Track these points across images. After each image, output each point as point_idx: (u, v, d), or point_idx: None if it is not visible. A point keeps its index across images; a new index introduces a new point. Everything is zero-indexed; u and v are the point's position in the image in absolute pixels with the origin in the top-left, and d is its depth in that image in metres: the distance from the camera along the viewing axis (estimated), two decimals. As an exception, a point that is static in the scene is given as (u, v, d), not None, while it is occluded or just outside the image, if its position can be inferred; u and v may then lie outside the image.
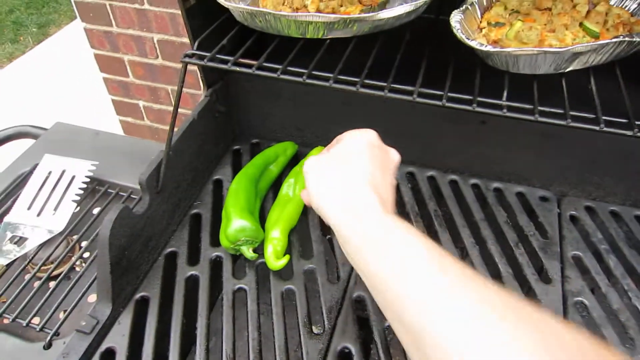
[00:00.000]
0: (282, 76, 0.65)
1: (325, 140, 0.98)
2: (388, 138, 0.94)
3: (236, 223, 0.77)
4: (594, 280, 0.78)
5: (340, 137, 0.66)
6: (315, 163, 0.61)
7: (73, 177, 1.05)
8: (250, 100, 0.99)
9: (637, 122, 0.59)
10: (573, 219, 0.87)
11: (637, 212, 0.87)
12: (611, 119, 0.59)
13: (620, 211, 0.88)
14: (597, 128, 0.58)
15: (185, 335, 0.72)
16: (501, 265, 0.79)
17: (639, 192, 0.87)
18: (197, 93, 1.90)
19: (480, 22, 0.74)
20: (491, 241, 0.82)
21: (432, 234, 0.84)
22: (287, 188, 0.86)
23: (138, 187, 0.78)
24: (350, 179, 0.55)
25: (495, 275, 0.78)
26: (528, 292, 0.76)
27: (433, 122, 0.89)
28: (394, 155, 0.64)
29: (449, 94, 0.63)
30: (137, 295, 0.77)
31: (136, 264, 0.77)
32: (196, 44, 0.71)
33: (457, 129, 0.89)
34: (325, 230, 0.86)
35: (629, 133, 0.57)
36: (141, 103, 2.13)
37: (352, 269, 0.79)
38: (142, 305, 0.76)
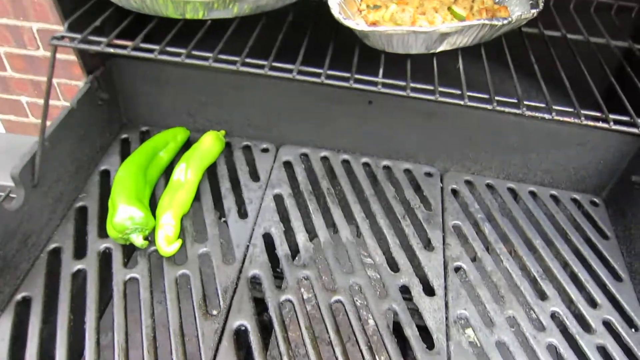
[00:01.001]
0: (160, 56, 0.64)
1: (217, 124, 0.99)
2: (282, 121, 0.96)
3: (123, 211, 0.74)
4: (471, 246, 0.84)
5: None
6: None
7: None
8: (136, 87, 0.95)
9: (496, 98, 0.65)
10: (454, 192, 0.94)
11: (509, 184, 0.96)
12: (475, 95, 0.65)
13: (495, 184, 0.96)
14: (461, 102, 0.63)
15: (74, 332, 0.69)
16: (389, 236, 0.83)
17: (510, 165, 0.95)
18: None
19: (360, 4, 0.77)
20: (380, 215, 0.86)
21: (326, 211, 0.87)
22: (178, 173, 0.84)
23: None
24: None
25: (384, 245, 0.82)
26: (413, 259, 0.81)
27: (323, 105, 0.92)
28: None
29: (328, 72, 0.65)
30: (18, 296, 0.72)
31: (14, 264, 0.72)
32: (66, 25, 0.68)
33: (346, 109, 0.92)
34: (221, 213, 0.86)
35: (489, 107, 0.63)
36: (24, 99, 1.96)
37: (247, 249, 0.79)
38: (24, 307, 0.71)
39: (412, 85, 0.64)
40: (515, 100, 0.64)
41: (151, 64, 0.92)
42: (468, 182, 0.95)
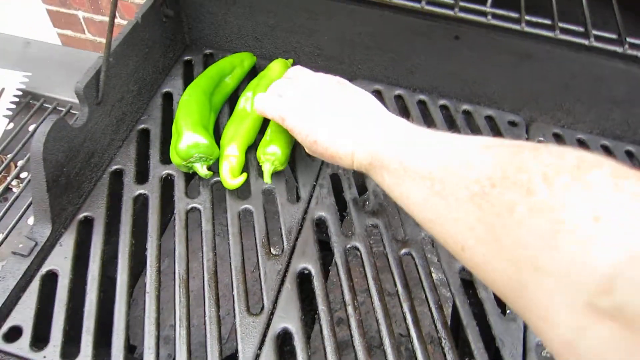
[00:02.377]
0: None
1: (285, 52, 0.92)
2: (355, 53, 0.88)
3: (188, 137, 0.70)
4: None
5: (300, 77, 0.66)
6: (298, 110, 0.61)
7: (2, 90, 0.94)
8: (202, 5, 0.89)
9: (627, 39, 0.55)
10: (540, 144, 0.85)
11: (603, 141, 0.86)
12: (601, 34, 0.55)
13: (587, 139, 0.86)
14: (586, 42, 0.53)
15: (135, 257, 0.67)
16: (467, 189, 0.77)
17: (607, 120, 0.85)
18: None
19: None
20: (458, 165, 0.79)
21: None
22: (244, 102, 0.79)
23: (78, 101, 0.69)
24: (365, 110, 0.56)
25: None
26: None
27: (403, 37, 0.83)
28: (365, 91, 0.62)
29: None
30: (80, 216, 0.70)
31: (77, 182, 0.70)
32: None
33: (428, 44, 0.83)
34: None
35: (619, 50, 0.53)
36: (80, 14, 1.93)
37: (313, 189, 0.75)
38: (86, 226, 0.70)
39: (527, 18, 0.55)
40: (614, 36, 0.54)
41: (219, -20, 0.85)
42: (557, 136, 0.86)
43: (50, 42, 2.07)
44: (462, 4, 0.56)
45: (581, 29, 0.55)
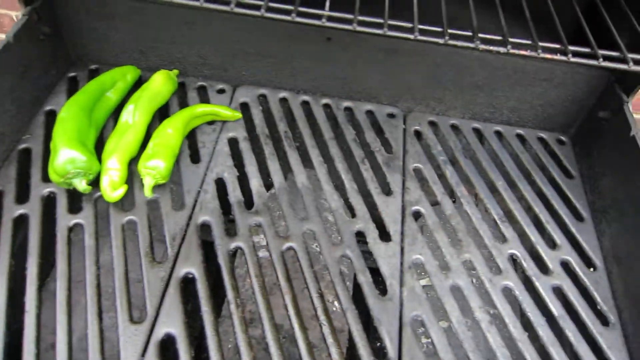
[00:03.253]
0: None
1: (170, 63, 0.93)
2: (237, 60, 0.91)
3: (64, 154, 0.70)
4: (431, 190, 0.82)
5: None
6: None
7: None
8: (82, 21, 0.89)
9: (449, 31, 0.60)
10: (417, 133, 0.91)
11: (474, 124, 0.93)
12: (427, 28, 0.60)
13: (459, 124, 0.92)
14: (411, 37, 0.58)
15: (14, 277, 0.67)
16: (347, 181, 0.81)
17: (475, 105, 0.92)
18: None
19: None
20: (339, 159, 0.83)
21: (281, 154, 0.83)
22: (126, 115, 0.80)
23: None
24: None
25: (341, 190, 0.80)
26: (370, 204, 0.79)
27: (280, 41, 0.87)
28: None
29: (300, 9, 0.60)
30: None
31: (-48, 208, 0.69)
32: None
33: (304, 47, 0.87)
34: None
35: (441, 41, 0.58)
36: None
37: (197, 194, 0.77)
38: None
39: (390, 22, 0.59)
40: (469, 34, 0.59)
41: (94, -4, 0.85)
42: (432, 123, 0.92)
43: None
44: (329, 13, 0.60)
45: (439, 29, 0.59)
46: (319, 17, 0.63)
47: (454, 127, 0.92)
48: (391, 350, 0.65)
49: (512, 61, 0.84)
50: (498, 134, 0.92)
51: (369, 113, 0.91)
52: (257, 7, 0.65)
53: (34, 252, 0.68)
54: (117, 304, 0.65)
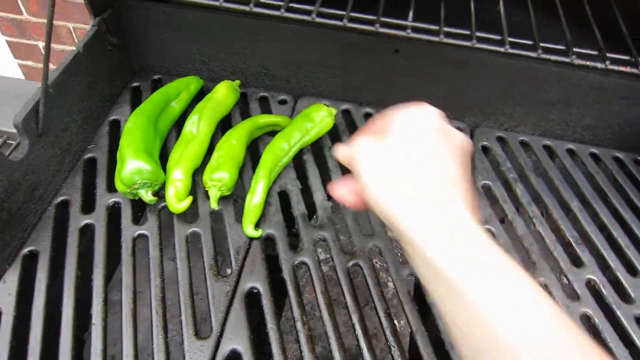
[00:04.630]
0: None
1: (232, 74, 0.93)
2: (300, 71, 0.90)
3: (131, 164, 0.70)
4: (501, 208, 0.79)
5: (392, 116, 0.49)
6: (371, 150, 0.46)
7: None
8: (147, 32, 0.90)
9: (541, 44, 0.57)
10: (485, 149, 0.87)
11: (545, 141, 0.89)
12: (517, 41, 0.57)
13: (529, 141, 0.88)
14: (502, 49, 0.55)
15: (81, 289, 0.67)
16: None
17: (547, 121, 0.88)
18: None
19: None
20: (404, 174, 0.81)
21: (346, 168, 0.81)
22: (190, 125, 0.79)
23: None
24: (430, 175, 0.42)
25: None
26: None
27: (345, 53, 0.85)
28: (464, 140, 0.49)
29: (351, 14, 0.58)
30: (25, 250, 0.69)
31: (20, 217, 0.69)
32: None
33: (370, 59, 0.85)
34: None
35: (534, 54, 0.55)
36: (41, 44, 1.92)
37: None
38: (31, 261, 0.69)
39: (446, 29, 0.57)
40: (563, 47, 0.56)
41: (162, 6, 0.86)
42: (500, 139, 0.88)
43: (14, 73, 2.05)
44: (383, 19, 0.58)
45: (498, 37, 0.57)
46: (372, 23, 0.60)
47: (524, 144, 0.88)
48: (464, 377, 0.61)
49: (590, 77, 0.80)
50: (570, 152, 0.88)
51: (434, 127, 0.88)
52: (276, 8, 0.62)
53: (100, 263, 0.68)
54: (182, 318, 0.64)
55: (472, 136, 0.88)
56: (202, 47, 0.90)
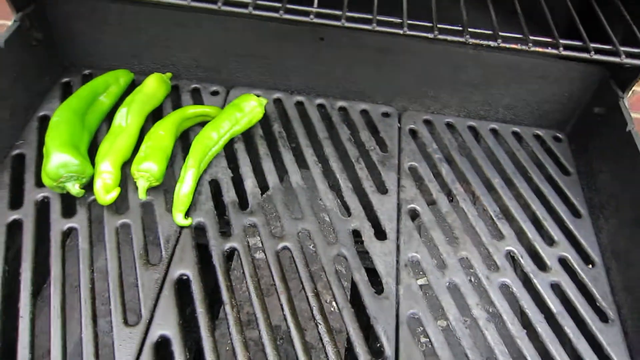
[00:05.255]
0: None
1: (164, 67, 0.93)
2: (230, 62, 0.91)
3: (56, 158, 0.70)
4: (427, 188, 0.82)
5: None
6: None
7: None
8: (73, 26, 0.89)
9: (470, 29, 0.60)
10: (412, 132, 0.90)
11: (470, 122, 0.93)
12: (445, 27, 0.60)
13: (455, 122, 0.92)
14: (431, 36, 0.58)
15: (9, 284, 0.66)
16: (342, 180, 0.81)
17: (470, 103, 0.91)
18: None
19: None
20: (333, 158, 0.83)
21: (276, 154, 0.83)
22: (119, 119, 0.79)
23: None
24: None
25: (337, 189, 0.80)
26: (365, 203, 0.78)
27: (272, 42, 0.86)
28: None
29: (287, 6, 0.59)
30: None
31: (-54, 214, 0.69)
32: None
33: (297, 47, 0.86)
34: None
35: (462, 39, 0.58)
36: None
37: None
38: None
39: (379, 18, 0.59)
40: (459, 28, 0.59)
41: (87, 0, 0.85)
42: (427, 122, 0.92)
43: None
44: (318, 10, 0.60)
45: (428, 24, 0.59)
46: (307, 13, 0.62)
47: (450, 126, 0.92)
48: (388, 348, 0.64)
49: (507, 59, 0.84)
50: (494, 131, 0.92)
51: (364, 112, 0.91)
52: (244, 5, 0.64)
53: (27, 257, 0.68)
54: (111, 307, 0.64)
55: (400, 120, 0.91)
56: (132, 41, 0.90)
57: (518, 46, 0.59)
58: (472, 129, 0.92)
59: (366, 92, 0.91)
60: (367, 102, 0.92)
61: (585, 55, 0.59)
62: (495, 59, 0.84)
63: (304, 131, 0.86)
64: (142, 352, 0.61)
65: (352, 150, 0.85)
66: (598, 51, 0.61)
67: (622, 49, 0.62)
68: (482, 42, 0.63)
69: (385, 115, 0.91)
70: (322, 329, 0.65)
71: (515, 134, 0.92)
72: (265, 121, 0.87)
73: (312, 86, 0.92)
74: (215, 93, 0.92)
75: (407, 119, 0.91)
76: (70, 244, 0.72)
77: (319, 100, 0.91)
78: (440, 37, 0.63)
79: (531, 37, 0.59)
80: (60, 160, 0.70)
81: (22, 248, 0.69)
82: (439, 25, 0.63)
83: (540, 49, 0.59)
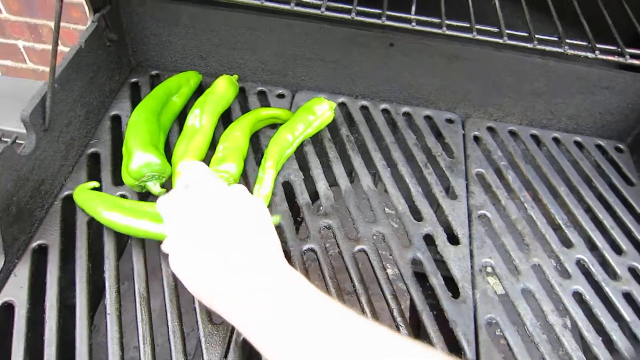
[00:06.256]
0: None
1: (230, 69, 0.94)
2: (297, 65, 0.92)
3: (139, 157, 0.71)
4: (495, 194, 0.82)
5: (203, 192, 0.52)
6: (184, 256, 0.49)
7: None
8: (145, 28, 0.90)
9: (537, 36, 0.61)
10: (476, 138, 0.91)
11: (532, 130, 0.93)
12: (513, 32, 0.61)
13: (517, 130, 0.93)
14: (500, 41, 0.59)
15: (93, 281, 0.68)
16: (411, 185, 0.81)
17: (534, 111, 0.92)
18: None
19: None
20: (401, 163, 0.84)
21: (346, 158, 0.84)
22: (192, 119, 0.81)
23: (24, 130, 0.70)
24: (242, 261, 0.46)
25: (407, 194, 0.80)
26: (437, 208, 0.79)
27: (342, 47, 0.88)
28: (262, 209, 0.53)
29: (358, 8, 0.61)
30: (34, 244, 0.70)
31: (29, 211, 0.70)
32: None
33: (366, 53, 0.88)
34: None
35: (530, 45, 0.59)
36: (21, 43, 1.90)
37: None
38: (41, 254, 0.70)
39: (447, 22, 0.60)
40: (526, 34, 0.60)
41: (159, 2, 0.87)
42: (490, 129, 0.92)
43: (-11, 74, 2.01)
44: (388, 12, 0.61)
45: (496, 29, 0.60)
46: (378, 16, 0.63)
47: (512, 133, 0.92)
48: (469, 351, 0.65)
49: (575, 69, 0.85)
50: (556, 140, 0.92)
51: (428, 118, 0.92)
52: (317, 7, 0.65)
53: (110, 254, 0.69)
54: (195, 306, 0.65)
55: (463, 126, 0.92)
56: (200, 43, 0.91)
57: (584, 53, 0.60)
58: (534, 137, 0.92)
59: (431, 98, 0.92)
60: (430, 108, 0.93)
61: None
62: (562, 68, 0.85)
63: (371, 135, 0.87)
64: (229, 349, 0.62)
65: (420, 155, 0.85)
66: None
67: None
68: (548, 47, 0.64)
69: (449, 121, 0.92)
70: (403, 330, 0.66)
71: (577, 143, 0.93)
72: (332, 125, 0.88)
73: (377, 91, 0.93)
74: (281, 96, 0.93)
75: (471, 125, 0.92)
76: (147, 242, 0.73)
77: (383, 105, 0.92)
78: (508, 42, 0.63)
79: (597, 45, 0.60)
80: (143, 160, 0.71)
81: (104, 246, 0.70)
82: (507, 31, 0.64)
83: (606, 57, 0.60)
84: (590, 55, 0.63)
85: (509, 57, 0.84)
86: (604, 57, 0.64)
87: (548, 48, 0.60)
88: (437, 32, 0.64)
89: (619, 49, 0.64)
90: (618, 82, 0.86)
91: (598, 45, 0.62)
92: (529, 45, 0.61)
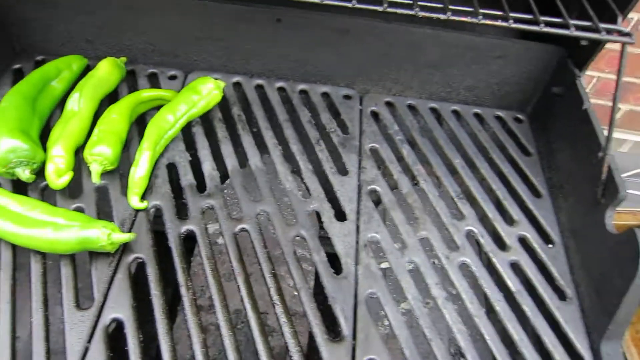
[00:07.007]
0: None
1: (119, 51, 0.91)
2: (188, 45, 0.89)
3: (4, 143, 0.68)
4: (388, 169, 0.82)
5: None
6: None
7: None
8: (25, 11, 0.86)
9: (419, 3, 0.59)
10: (374, 114, 0.90)
11: (431, 104, 0.93)
12: (396, 0, 0.59)
13: (416, 104, 0.92)
14: (380, 8, 0.57)
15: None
16: (302, 162, 0.80)
17: (431, 84, 0.91)
18: None
19: None
20: (293, 141, 0.82)
21: (235, 137, 0.82)
22: (71, 103, 0.77)
23: None
24: None
25: (296, 171, 0.79)
26: (326, 184, 0.78)
27: (230, 24, 0.85)
28: None
29: None
30: None
31: None
32: None
33: (253, 29, 0.85)
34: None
35: (411, 12, 0.57)
36: None
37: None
38: None
39: None
40: (410, 1, 0.59)
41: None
42: (389, 104, 0.91)
43: None
44: None
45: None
46: None
47: (411, 107, 0.92)
48: (346, 328, 0.64)
49: (465, 39, 0.84)
50: (455, 113, 0.92)
51: (325, 95, 0.91)
52: None
53: (-25, 245, 0.66)
54: (62, 291, 0.63)
55: (361, 102, 0.91)
56: (83, 26, 0.88)
57: (468, 19, 0.59)
58: (434, 110, 0.92)
59: (327, 74, 0.91)
60: (328, 84, 0.92)
61: (535, 28, 0.59)
62: (452, 38, 0.84)
63: (264, 114, 0.85)
64: (93, 334, 0.60)
65: (313, 133, 0.84)
66: (548, 24, 0.61)
67: (572, 22, 0.62)
68: (431, 14, 0.62)
69: (347, 97, 0.90)
70: (279, 309, 0.64)
71: (476, 115, 0.92)
72: (224, 105, 0.85)
73: (272, 69, 0.91)
74: (173, 77, 0.90)
75: (369, 101, 0.91)
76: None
77: (279, 84, 0.91)
78: (389, 10, 0.62)
79: (481, 11, 0.59)
80: (8, 146, 0.68)
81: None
82: (419, 3, 0.62)
83: (490, 22, 0.59)
84: (474, 20, 0.62)
85: (398, 29, 0.83)
86: (488, 21, 0.63)
87: (432, 15, 0.58)
88: (317, 3, 0.62)
89: (504, 14, 0.62)
90: (511, 51, 0.86)
91: (482, 11, 0.61)
92: (411, 12, 0.59)
